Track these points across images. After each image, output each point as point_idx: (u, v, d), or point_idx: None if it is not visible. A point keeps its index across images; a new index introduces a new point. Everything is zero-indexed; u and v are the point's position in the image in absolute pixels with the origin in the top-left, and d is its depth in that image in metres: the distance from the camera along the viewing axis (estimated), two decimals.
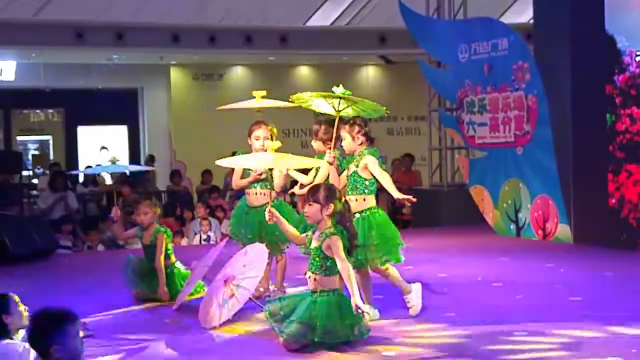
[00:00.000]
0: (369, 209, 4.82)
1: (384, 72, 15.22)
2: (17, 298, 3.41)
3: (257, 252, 5.03)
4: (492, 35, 8.82)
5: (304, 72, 14.90)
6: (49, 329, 2.67)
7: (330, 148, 5.17)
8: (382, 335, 4.45)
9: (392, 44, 13.05)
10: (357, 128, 4.88)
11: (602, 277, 6.24)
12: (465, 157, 9.88)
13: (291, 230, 4.46)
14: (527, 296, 5.50)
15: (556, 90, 8.16)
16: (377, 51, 13.77)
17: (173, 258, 5.70)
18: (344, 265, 4.13)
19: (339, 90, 4.87)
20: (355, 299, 4.04)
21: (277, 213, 4.39)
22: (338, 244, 4.16)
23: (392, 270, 4.90)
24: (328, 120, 5.36)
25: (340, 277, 4.22)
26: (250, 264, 4.95)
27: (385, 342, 4.35)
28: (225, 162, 4.75)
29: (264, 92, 5.64)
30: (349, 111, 5.08)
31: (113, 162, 5.91)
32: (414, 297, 4.90)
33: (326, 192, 4.28)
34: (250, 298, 4.94)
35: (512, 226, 8.81)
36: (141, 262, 5.74)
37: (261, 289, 5.52)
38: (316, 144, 5.40)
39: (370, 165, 4.80)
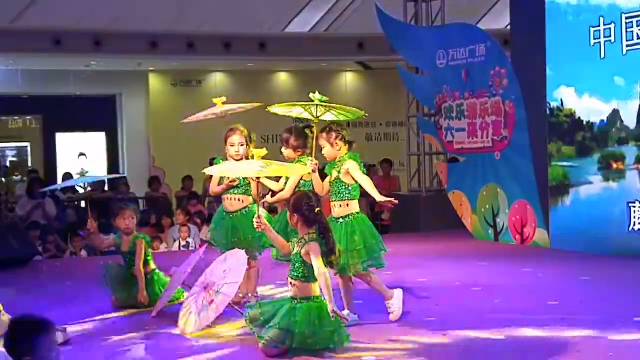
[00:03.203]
0: (352, 214, 4.84)
1: (362, 79, 15.29)
2: (0, 306, 3.38)
3: (237, 259, 5.03)
4: (470, 41, 8.91)
5: (283, 78, 14.93)
6: (23, 338, 2.65)
7: (300, 155, 5.23)
8: (362, 341, 4.46)
9: (371, 51, 13.13)
10: (334, 134, 4.90)
11: (580, 281, 6.31)
12: (444, 162, 9.95)
13: (279, 239, 4.47)
14: (506, 300, 5.55)
15: (533, 96, 8.26)
16: (356, 58, 13.83)
17: (153, 264, 5.69)
18: (320, 271, 4.14)
19: (316, 96, 4.90)
20: (332, 305, 4.05)
21: (265, 221, 4.39)
22: (316, 250, 4.18)
23: (374, 276, 4.93)
24: (298, 128, 5.39)
25: None
26: (229, 270, 4.95)
27: (365, 347, 4.36)
28: (212, 171, 4.74)
29: (224, 98, 5.66)
30: (328, 117, 5.11)
31: (83, 174, 5.86)
32: (395, 302, 4.93)
33: (292, 202, 4.32)
34: (229, 304, 4.92)
35: (491, 231, 8.88)
36: (120, 269, 5.71)
37: (240, 295, 5.52)
38: (287, 152, 5.39)
39: (351, 170, 4.83)
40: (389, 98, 14.03)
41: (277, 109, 5.25)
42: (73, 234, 9.70)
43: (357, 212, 4.87)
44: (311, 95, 4.96)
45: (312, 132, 5.21)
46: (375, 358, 4.15)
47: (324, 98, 4.94)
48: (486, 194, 8.88)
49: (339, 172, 4.87)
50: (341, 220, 4.81)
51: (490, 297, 5.70)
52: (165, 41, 12.19)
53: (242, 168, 4.71)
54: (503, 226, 8.70)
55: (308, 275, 4.22)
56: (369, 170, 11.99)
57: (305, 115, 5.14)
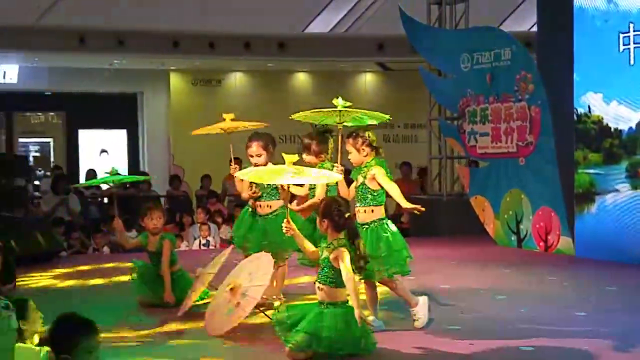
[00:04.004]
0: (378, 220, 4.82)
1: (381, 80, 15.24)
2: (33, 304, 3.42)
3: (263, 262, 5.03)
4: (495, 44, 8.84)
5: (302, 78, 14.93)
6: (64, 337, 2.68)
7: (322, 161, 5.21)
8: (388, 348, 4.44)
9: (390, 52, 13.09)
10: (360, 140, 4.88)
11: (606, 291, 6.25)
12: (466, 166, 9.89)
13: (307, 244, 4.46)
14: (532, 310, 5.50)
15: (560, 102, 8.18)
16: (375, 58, 13.80)
17: (178, 264, 5.71)
18: (349, 276, 4.13)
19: (339, 102, 4.89)
20: (359, 311, 4.04)
21: (294, 226, 4.38)
22: (345, 255, 4.17)
23: (399, 283, 4.90)
24: (318, 133, 5.36)
25: None
26: (256, 273, 4.95)
27: (390, 354, 4.34)
28: (244, 175, 4.72)
29: (232, 115, 5.75)
30: (350, 121, 5.09)
31: (113, 173, 5.90)
32: (420, 310, 4.90)
33: (322, 207, 4.31)
34: (256, 307, 4.94)
35: (513, 237, 8.81)
36: (147, 268, 5.73)
37: (265, 297, 5.52)
38: (309, 158, 5.35)
39: (377, 176, 4.80)
40: (408, 99, 13.99)
41: (300, 116, 5.23)
42: (96, 230, 9.77)
43: (382, 218, 4.85)
44: (334, 100, 4.94)
45: (331, 136, 5.20)
46: None
47: (347, 103, 4.92)
48: (510, 199, 8.81)
49: (365, 177, 4.85)
50: (366, 226, 4.79)
51: (515, 306, 5.64)
52: (187, 41, 12.26)
53: (273, 175, 4.64)
54: (526, 233, 8.63)
55: (336, 281, 4.21)
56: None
57: (326, 121, 5.13)
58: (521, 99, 8.55)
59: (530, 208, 8.55)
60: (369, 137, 4.88)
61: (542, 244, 8.47)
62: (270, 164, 5.31)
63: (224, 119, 5.73)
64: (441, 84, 10.11)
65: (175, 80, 14.38)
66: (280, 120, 14.19)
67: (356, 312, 4.05)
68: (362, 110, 5.00)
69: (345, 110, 4.91)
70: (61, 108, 14.90)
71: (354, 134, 4.92)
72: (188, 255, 8.33)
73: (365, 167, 4.87)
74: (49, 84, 13.90)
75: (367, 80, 15.25)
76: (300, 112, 5.23)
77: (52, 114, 15.28)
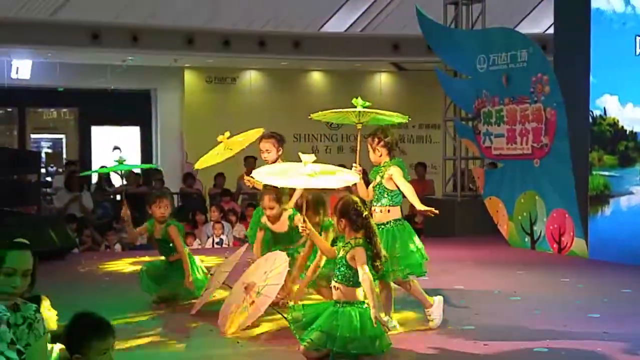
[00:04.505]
0: (394, 220, 4.81)
1: (396, 80, 15.20)
2: (48, 301, 3.42)
3: (278, 260, 5.03)
4: (511, 46, 8.81)
5: (316, 77, 14.91)
6: (77, 337, 2.68)
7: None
8: (403, 348, 4.43)
9: (406, 52, 13.05)
10: (376, 140, 4.88)
11: (621, 294, 6.21)
12: (481, 167, 9.86)
13: (323, 243, 4.45)
14: (546, 311, 5.48)
15: (575, 104, 8.14)
16: (391, 58, 13.76)
17: (187, 249, 5.73)
18: (365, 277, 4.12)
19: (359, 102, 4.88)
20: (375, 311, 4.03)
21: (310, 226, 4.37)
22: (362, 255, 4.16)
23: (414, 284, 4.89)
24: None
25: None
26: (270, 271, 4.95)
27: (405, 355, 4.34)
28: (262, 178, 4.65)
29: (227, 133, 5.81)
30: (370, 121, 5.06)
31: (120, 162, 5.93)
32: (435, 311, 4.89)
33: (340, 207, 4.28)
34: (270, 306, 4.93)
35: (527, 239, 8.78)
36: (153, 267, 5.74)
37: (279, 296, 5.52)
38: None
39: (394, 176, 4.80)
40: (423, 100, 13.93)
41: (319, 116, 5.22)
42: (108, 227, 9.80)
43: (399, 219, 4.84)
44: (354, 100, 4.93)
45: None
46: None
47: (367, 103, 4.91)
48: (524, 201, 8.77)
49: (382, 177, 4.84)
50: (382, 226, 4.78)
51: (529, 307, 5.62)
52: (201, 38, 12.24)
53: (291, 178, 4.52)
54: (540, 234, 8.59)
55: (352, 280, 4.20)
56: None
57: (346, 121, 5.12)
58: (537, 100, 8.51)
59: (544, 210, 8.51)
60: (387, 138, 4.85)
61: (555, 245, 8.43)
62: (283, 162, 5.30)
63: (221, 141, 5.79)
64: (457, 85, 10.08)
65: (189, 77, 14.39)
66: (294, 119, 14.23)
67: (372, 312, 4.03)
68: (381, 111, 4.99)
69: (364, 111, 4.90)
70: (74, 104, 14.88)
71: (372, 133, 4.92)
72: (201, 253, 8.33)
73: (383, 166, 4.86)
74: (62, 80, 13.89)
75: (382, 80, 15.22)
76: (320, 112, 5.22)
77: (64, 110, 15.28)
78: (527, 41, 8.76)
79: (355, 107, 4.91)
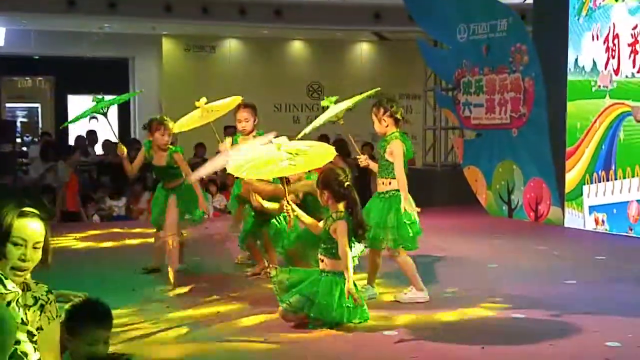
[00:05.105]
0: (393, 191, 4.76)
1: (377, 49, 15.13)
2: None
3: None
4: (492, 15, 8.79)
5: (297, 46, 14.79)
6: (74, 321, 2.61)
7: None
8: (383, 315, 4.48)
9: (387, 21, 12.98)
10: (382, 110, 4.81)
11: (595, 260, 6.32)
12: (460, 137, 9.90)
13: (308, 219, 4.46)
14: (523, 278, 5.56)
15: (553, 73, 8.17)
16: (372, 27, 13.68)
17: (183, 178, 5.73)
18: (343, 250, 4.16)
19: (326, 102, 5.01)
20: (349, 285, 4.07)
21: (293, 205, 4.37)
22: (342, 228, 4.19)
23: (409, 262, 4.84)
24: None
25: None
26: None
27: (382, 319, 4.40)
28: (238, 173, 4.46)
29: (204, 99, 5.82)
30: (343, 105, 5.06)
31: (98, 100, 5.85)
32: (414, 296, 4.84)
33: (321, 178, 4.30)
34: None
35: (505, 207, 8.87)
36: (157, 200, 5.73)
37: (260, 267, 5.56)
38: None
39: (393, 154, 4.74)
40: (404, 70, 13.90)
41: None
42: (85, 198, 9.72)
43: (398, 190, 4.75)
44: (322, 103, 5.04)
45: None
46: (397, 332, 4.18)
47: (333, 98, 4.99)
48: (502, 170, 8.85)
49: (385, 150, 4.82)
50: (382, 195, 4.79)
51: (506, 274, 5.72)
52: (179, 5, 12.07)
53: (269, 167, 4.28)
54: (517, 203, 8.69)
55: (336, 252, 4.24)
56: (364, 147, 11.75)
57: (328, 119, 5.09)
58: (515, 70, 8.54)
59: (522, 179, 8.60)
60: (393, 108, 4.79)
61: (532, 214, 8.53)
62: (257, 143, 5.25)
63: (198, 107, 5.80)
64: (437, 55, 10.07)
65: (167, 45, 14.21)
66: (274, 88, 14.05)
67: (346, 285, 4.08)
68: (352, 98, 5.00)
69: (336, 106, 4.95)
70: (50, 73, 14.64)
71: (378, 102, 4.88)
72: None
73: (388, 138, 4.81)
74: (37, 48, 13.65)
75: (363, 50, 15.14)
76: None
77: (40, 78, 15.02)
78: (507, 10, 8.75)
79: (326, 108, 4.95)
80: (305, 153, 4.22)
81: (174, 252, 5.51)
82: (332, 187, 4.24)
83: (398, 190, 4.74)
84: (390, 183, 4.80)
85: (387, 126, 4.81)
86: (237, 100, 5.82)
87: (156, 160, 5.68)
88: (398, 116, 4.79)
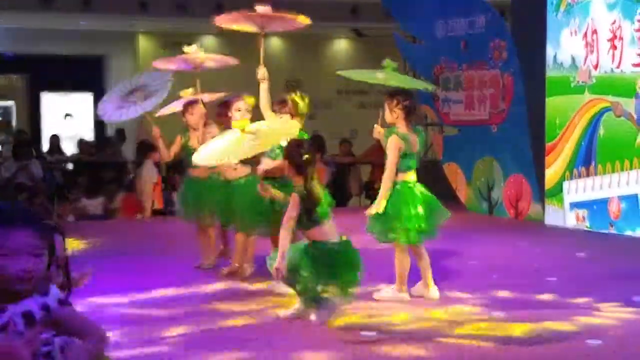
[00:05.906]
0: (400, 182, 4.73)
1: (355, 46, 15.08)
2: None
3: None
4: (470, 12, 8.76)
5: (274, 42, 14.66)
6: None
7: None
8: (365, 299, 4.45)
9: (364, 17, 12.92)
10: (394, 101, 4.77)
11: (575, 257, 6.30)
12: (439, 133, 9.86)
13: (279, 194, 4.45)
14: (503, 275, 5.52)
15: (532, 69, 8.16)
16: (349, 24, 13.63)
17: None
18: (284, 225, 4.09)
19: (387, 64, 4.90)
20: (278, 262, 4.03)
21: (269, 187, 4.33)
22: (293, 202, 4.13)
23: (405, 259, 4.82)
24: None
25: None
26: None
27: (366, 306, 4.37)
28: (204, 161, 4.55)
29: (194, 46, 5.97)
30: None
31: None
32: (392, 293, 4.79)
33: (285, 149, 4.28)
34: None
35: (485, 204, 8.85)
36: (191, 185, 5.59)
37: (237, 265, 5.47)
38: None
39: (387, 148, 4.72)
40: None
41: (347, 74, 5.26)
42: (60, 197, 9.54)
43: (404, 182, 4.74)
44: (383, 63, 4.94)
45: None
46: (375, 333, 4.10)
47: (394, 65, 4.92)
48: (482, 167, 8.83)
49: (386, 143, 4.77)
50: (397, 186, 4.73)
51: (486, 271, 5.68)
52: (155, 2, 11.92)
53: (235, 150, 4.46)
54: (498, 200, 8.67)
55: (303, 222, 4.16)
56: (343, 144, 11.67)
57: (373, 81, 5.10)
58: (494, 66, 8.51)
59: (501, 175, 8.57)
60: (406, 101, 4.75)
61: (512, 211, 8.52)
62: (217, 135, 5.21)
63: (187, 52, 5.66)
64: (415, 51, 10.01)
65: (143, 43, 14.04)
66: (252, 85, 13.86)
67: (276, 263, 4.02)
68: (409, 78, 4.96)
69: (392, 73, 4.88)
70: (23, 70, 14.40)
71: (393, 92, 4.83)
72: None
73: (392, 131, 4.77)
74: (11, 45, 13.44)
75: (342, 46, 15.08)
76: (345, 71, 5.16)
77: (14, 76, 14.80)
78: (485, 6, 8.72)
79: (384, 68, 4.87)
80: (265, 132, 4.29)
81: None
82: (293, 158, 4.18)
83: (404, 181, 4.72)
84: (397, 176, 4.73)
85: (397, 117, 4.77)
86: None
87: (194, 143, 5.52)
88: (410, 110, 4.75)
